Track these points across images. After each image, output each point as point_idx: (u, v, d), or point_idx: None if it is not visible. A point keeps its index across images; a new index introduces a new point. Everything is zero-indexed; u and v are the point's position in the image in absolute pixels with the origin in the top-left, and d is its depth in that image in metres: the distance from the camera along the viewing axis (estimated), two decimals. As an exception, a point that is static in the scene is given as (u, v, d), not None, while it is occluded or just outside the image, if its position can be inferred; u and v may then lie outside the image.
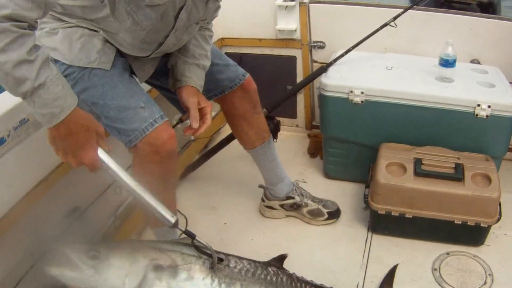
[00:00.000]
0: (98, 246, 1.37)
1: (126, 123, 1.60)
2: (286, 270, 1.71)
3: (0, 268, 1.69)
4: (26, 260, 1.79)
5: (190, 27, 1.72)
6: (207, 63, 1.90)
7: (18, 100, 1.59)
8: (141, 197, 1.41)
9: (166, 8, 1.54)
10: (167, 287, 1.34)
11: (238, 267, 1.50)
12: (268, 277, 1.54)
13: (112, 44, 1.66)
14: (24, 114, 1.68)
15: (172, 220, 1.43)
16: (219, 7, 1.82)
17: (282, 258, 1.73)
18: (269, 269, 1.59)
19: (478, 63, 2.63)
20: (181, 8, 1.60)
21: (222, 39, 3.05)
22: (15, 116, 1.65)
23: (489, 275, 2.04)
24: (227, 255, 1.53)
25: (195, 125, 1.72)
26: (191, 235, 1.46)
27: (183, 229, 1.45)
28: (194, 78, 1.82)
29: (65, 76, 1.63)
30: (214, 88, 2.06)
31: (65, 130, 1.32)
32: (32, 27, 1.21)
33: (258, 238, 2.35)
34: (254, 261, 1.60)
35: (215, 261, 1.42)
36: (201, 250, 1.43)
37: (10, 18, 1.12)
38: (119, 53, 1.71)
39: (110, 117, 1.61)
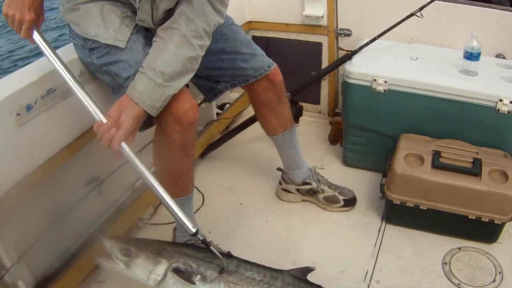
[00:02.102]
0: (130, 245, 1.63)
1: None
2: (308, 281, 1.73)
3: (20, 226, 1.77)
4: (45, 220, 1.87)
5: None
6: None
7: (46, 70, 1.69)
8: (168, 205, 1.55)
9: None
10: (182, 286, 1.59)
11: (247, 274, 1.66)
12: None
13: (131, 20, 1.70)
14: (52, 84, 1.74)
15: (193, 229, 1.55)
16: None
17: (307, 270, 1.75)
18: (281, 279, 1.68)
19: (503, 57, 2.59)
20: None
21: (250, 22, 3.06)
22: (43, 85, 1.71)
23: (499, 273, 2.03)
24: (241, 261, 1.70)
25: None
26: (207, 244, 1.60)
27: (201, 239, 1.59)
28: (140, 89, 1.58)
29: (92, 49, 1.71)
30: (239, 75, 2.06)
31: None
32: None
33: (273, 220, 2.38)
34: (269, 269, 1.71)
35: (225, 268, 1.61)
36: (215, 255, 1.61)
37: None
38: (145, 28, 1.76)
39: None
